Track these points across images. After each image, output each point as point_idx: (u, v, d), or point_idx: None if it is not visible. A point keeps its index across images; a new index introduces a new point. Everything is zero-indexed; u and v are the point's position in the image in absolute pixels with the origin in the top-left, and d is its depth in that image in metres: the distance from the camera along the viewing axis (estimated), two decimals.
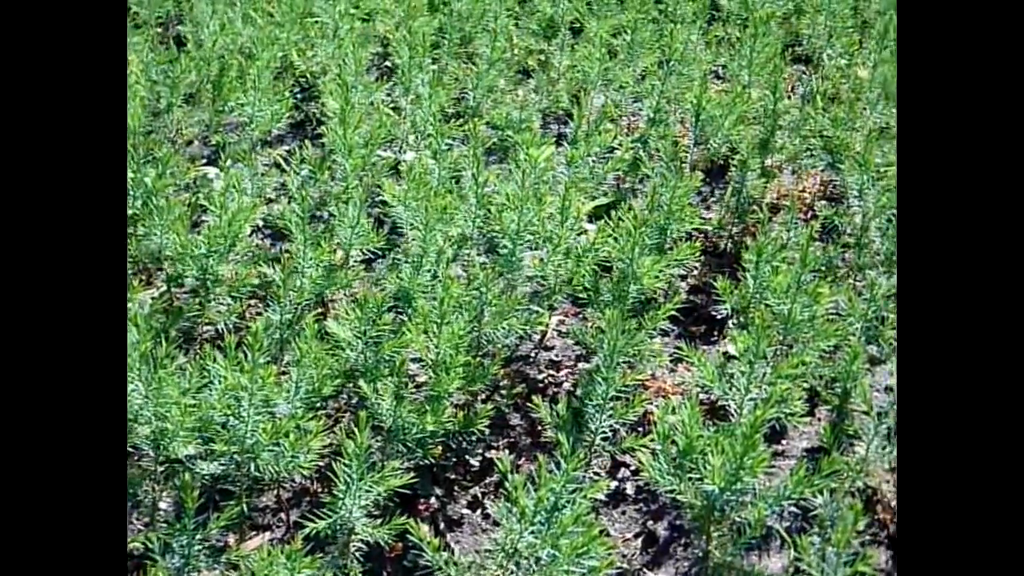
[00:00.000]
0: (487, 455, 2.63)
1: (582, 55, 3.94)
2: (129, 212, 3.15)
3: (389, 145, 3.48)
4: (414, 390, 2.42)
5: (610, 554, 2.04)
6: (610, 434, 2.50)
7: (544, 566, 1.97)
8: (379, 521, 2.20)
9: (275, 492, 2.52)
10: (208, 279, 2.80)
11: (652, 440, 2.26)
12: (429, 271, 2.66)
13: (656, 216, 2.88)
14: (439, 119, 3.32)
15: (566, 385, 2.86)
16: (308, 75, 4.10)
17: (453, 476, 2.58)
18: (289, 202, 3.24)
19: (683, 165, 3.25)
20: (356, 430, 2.07)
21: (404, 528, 2.16)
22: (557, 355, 2.95)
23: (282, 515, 2.50)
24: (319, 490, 2.54)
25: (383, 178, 3.14)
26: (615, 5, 4.34)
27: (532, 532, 1.98)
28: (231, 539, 2.44)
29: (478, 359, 2.58)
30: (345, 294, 2.90)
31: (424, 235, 2.66)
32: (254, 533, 2.47)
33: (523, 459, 2.66)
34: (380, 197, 3.04)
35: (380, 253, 3.01)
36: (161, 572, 2.01)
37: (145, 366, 2.19)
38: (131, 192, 3.14)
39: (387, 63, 4.28)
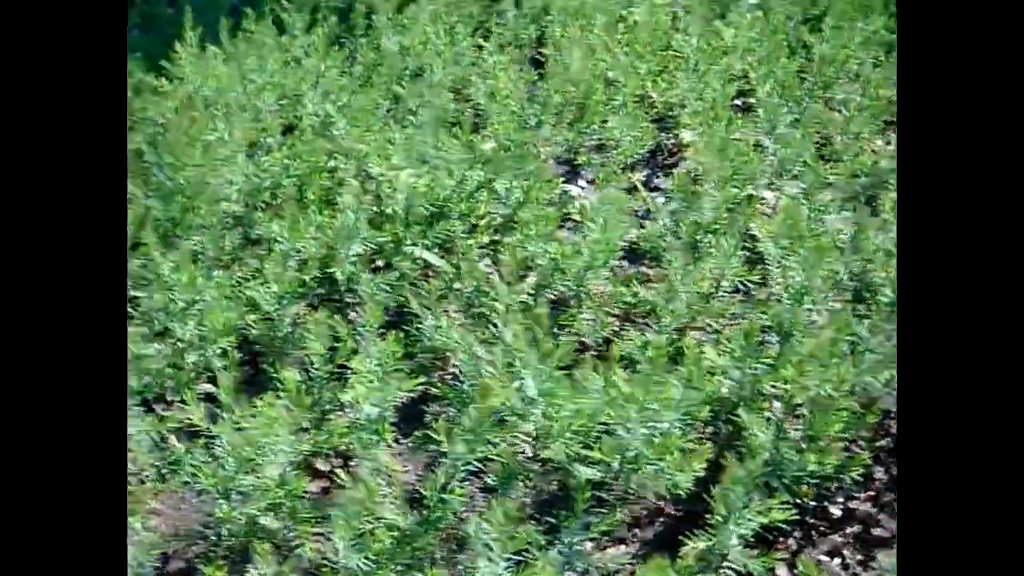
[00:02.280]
0: (849, 505, 2.57)
1: None
2: (500, 220, 3.30)
3: (751, 181, 3.47)
4: (795, 427, 2.39)
5: None
6: None
7: None
8: (755, 552, 2.19)
9: (632, 507, 2.55)
10: (581, 292, 2.88)
11: None
12: (806, 309, 2.64)
13: None
14: (812, 160, 3.29)
15: None
16: (663, 105, 4.15)
17: (813, 520, 2.53)
18: (653, 227, 3.29)
19: None
20: (743, 456, 2.07)
21: (772, 563, 2.14)
22: None
23: (637, 531, 2.53)
24: (673, 512, 2.55)
25: (751, 212, 3.13)
26: None
27: None
28: (588, 545, 2.49)
29: (857, 404, 2.52)
30: (716, 322, 2.91)
31: (805, 274, 2.64)
32: (609, 545, 2.50)
33: (883, 514, 2.57)
34: (748, 231, 3.04)
35: (748, 285, 3.01)
36: (548, 565, 2.06)
37: (543, 367, 2.28)
38: (504, 201, 3.29)
39: (745, 100, 4.28)
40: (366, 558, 2.06)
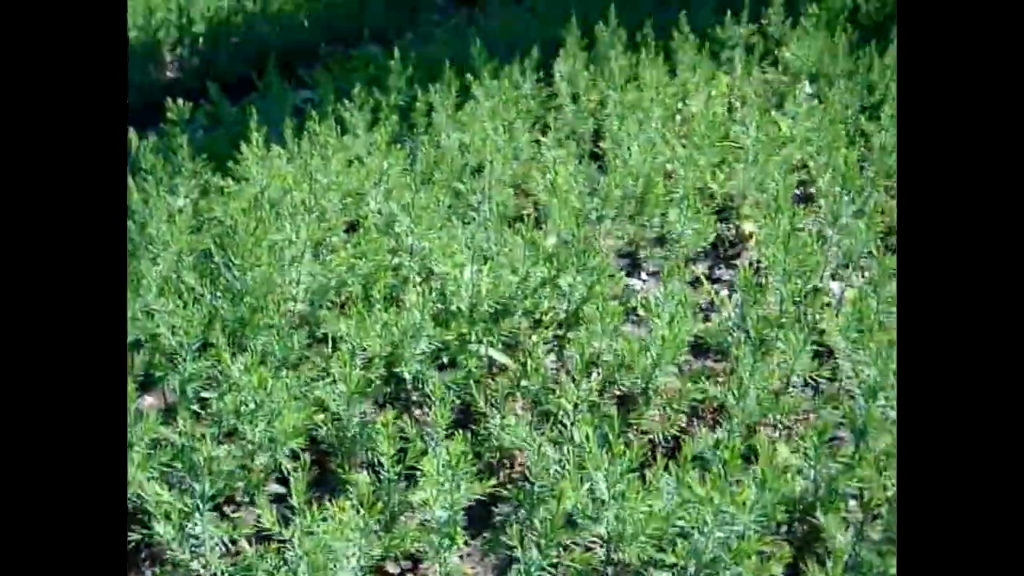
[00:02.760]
0: None
1: None
2: (563, 315, 3.30)
3: (815, 273, 3.44)
4: (875, 528, 2.34)
5: None
6: None
7: None
8: None
9: None
10: (649, 388, 2.86)
11: None
12: (880, 406, 2.59)
13: None
14: (876, 250, 3.26)
15: None
16: (723, 197, 4.16)
17: None
18: (720, 321, 3.27)
19: None
20: (821, 559, 2.02)
21: None
22: None
23: None
24: None
25: (818, 305, 3.11)
26: None
27: None
28: None
29: None
30: (788, 419, 2.87)
31: (880, 370, 2.60)
32: None
33: None
34: (817, 325, 3.01)
35: (818, 381, 2.97)
36: None
37: (614, 467, 2.25)
38: (567, 296, 3.30)
39: (805, 190, 4.28)
40: None
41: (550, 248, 3.40)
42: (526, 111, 4.78)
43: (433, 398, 2.58)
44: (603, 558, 2.38)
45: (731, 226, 4.08)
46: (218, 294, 3.22)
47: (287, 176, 4.01)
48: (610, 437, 2.24)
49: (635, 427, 2.88)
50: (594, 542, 2.47)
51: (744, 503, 2.27)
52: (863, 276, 3.54)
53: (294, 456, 2.68)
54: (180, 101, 4.18)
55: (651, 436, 2.87)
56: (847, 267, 3.55)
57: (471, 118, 4.54)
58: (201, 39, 6.75)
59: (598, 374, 3.07)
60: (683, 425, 2.99)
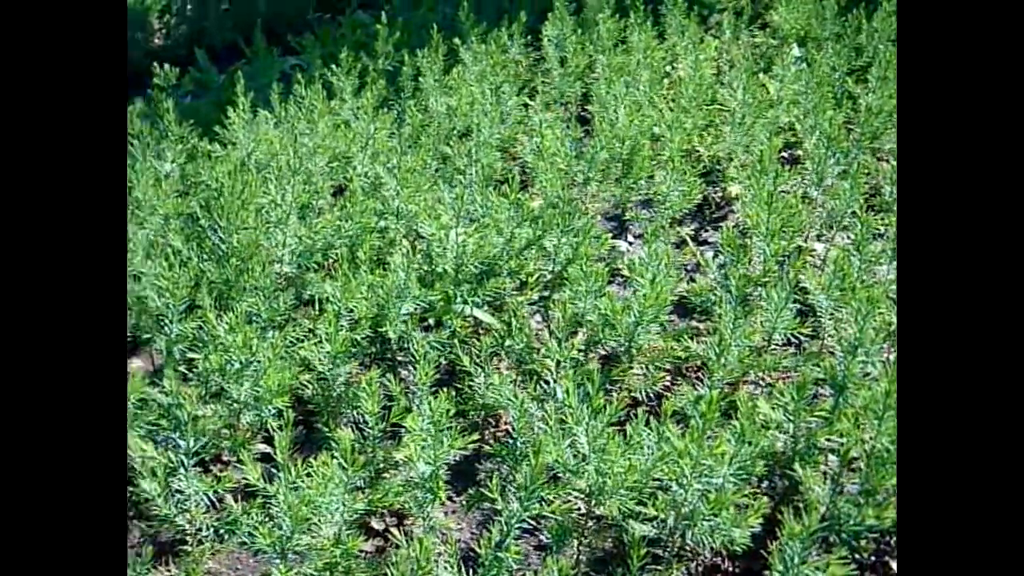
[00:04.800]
0: None
1: None
2: (549, 276, 3.32)
3: (800, 233, 3.46)
4: (852, 481, 2.37)
5: None
6: None
7: None
8: None
9: (688, 564, 2.53)
10: (632, 347, 2.88)
11: None
12: (860, 361, 2.61)
13: None
14: (859, 211, 3.28)
15: None
16: (710, 159, 4.17)
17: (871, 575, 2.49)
18: (703, 280, 3.29)
19: None
20: (799, 512, 2.05)
21: None
22: None
23: None
24: (730, 568, 2.53)
25: (800, 264, 3.12)
26: None
27: None
28: None
29: None
30: (769, 375, 2.89)
31: (860, 327, 2.62)
32: None
33: None
34: (799, 283, 3.02)
35: (800, 338, 3.00)
36: None
37: (596, 423, 2.27)
38: (552, 258, 3.32)
39: (792, 152, 4.28)
40: None
41: (536, 210, 3.41)
42: (514, 75, 4.78)
43: (418, 357, 2.61)
44: (584, 511, 2.40)
45: (718, 188, 4.09)
46: (204, 257, 3.24)
47: (274, 140, 4.01)
48: (591, 393, 2.26)
49: (618, 385, 2.90)
50: (576, 496, 2.50)
51: (723, 456, 2.30)
52: (847, 236, 3.55)
53: (279, 415, 2.71)
54: (167, 67, 4.17)
55: (634, 393, 2.90)
56: (831, 228, 3.57)
57: (459, 82, 4.54)
58: (189, 6, 6.72)
59: (583, 334, 3.09)
60: (667, 383, 3.02)
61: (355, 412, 2.81)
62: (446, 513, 2.73)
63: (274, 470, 2.39)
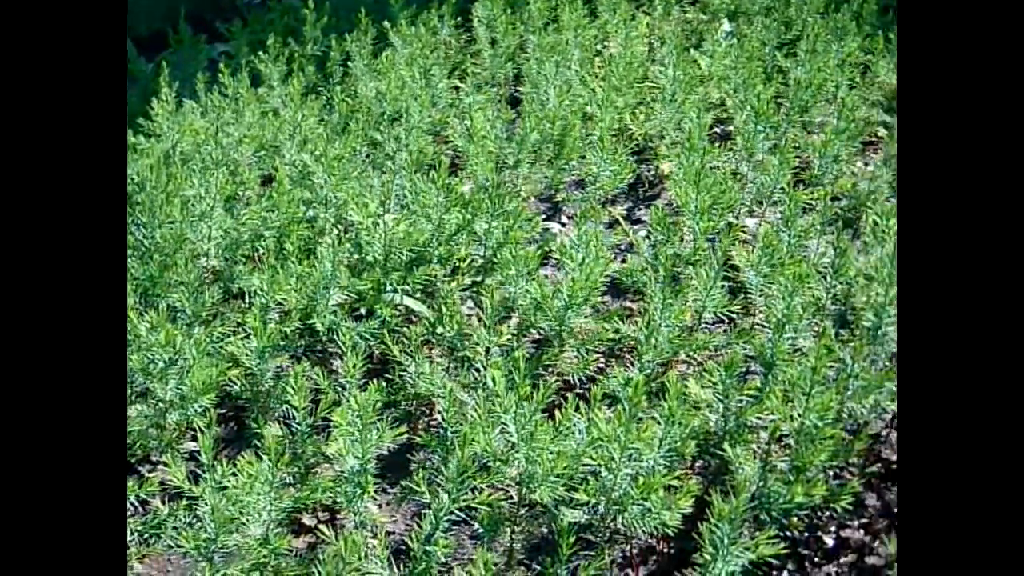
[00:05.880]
0: (842, 533, 2.53)
1: None
2: (480, 261, 3.29)
3: (730, 209, 3.46)
4: (781, 458, 2.37)
5: None
6: None
7: None
8: None
9: (623, 547, 2.52)
10: (563, 331, 2.86)
11: None
12: (789, 338, 2.61)
13: None
14: (787, 186, 3.28)
15: None
16: (643, 137, 4.15)
17: (806, 551, 2.50)
18: (635, 261, 3.28)
19: None
20: (729, 492, 2.05)
21: None
22: None
23: (629, 571, 2.49)
24: (665, 549, 2.52)
25: (729, 241, 3.12)
26: None
27: None
28: None
29: (842, 433, 2.49)
30: (700, 355, 2.89)
31: (786, 302, 2.62)
32: None
33: (877, 542, 2.54)
34: (729, 261, 3.02)
35: (730, 316, 2.99)
36: None
37: (519, 410, 2.25)
38: (482, 242, 3.28)
39: (724, 128, 4.28)
40: None
41: (466, 194, 3.37)
42: (444, 57, 4.73)
43: (346, 348, 2.57)
44: (516, 500, 2.39)
45: (650, 166, 4.08)
46: (127, 253, 3.17)
47: (199, 130, 3.93)
48: (517, 380, 2.24)
49: (550, 369, 2.89)
50: (508, 484, 2.48)
51: (651, 439, 2.29)
52: (778, 211, 3.55)
53: (205, 413, 2.66)
54: None
55: (567, 377, 2.88)
56: (762, 203, 3.57)
57: (388, 66, 4.48)
58: None
59: (515, 319, 3.07)
60: (600, 366, 3.01)
61: (285, 407, 2.77)
62: (380, 506, 2.70)
63: (201, 471, 2.34)
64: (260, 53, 4.61)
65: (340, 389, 2.60)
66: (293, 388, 2.45)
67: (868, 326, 2.64)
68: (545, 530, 2.52)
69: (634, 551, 2.51)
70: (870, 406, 2.52)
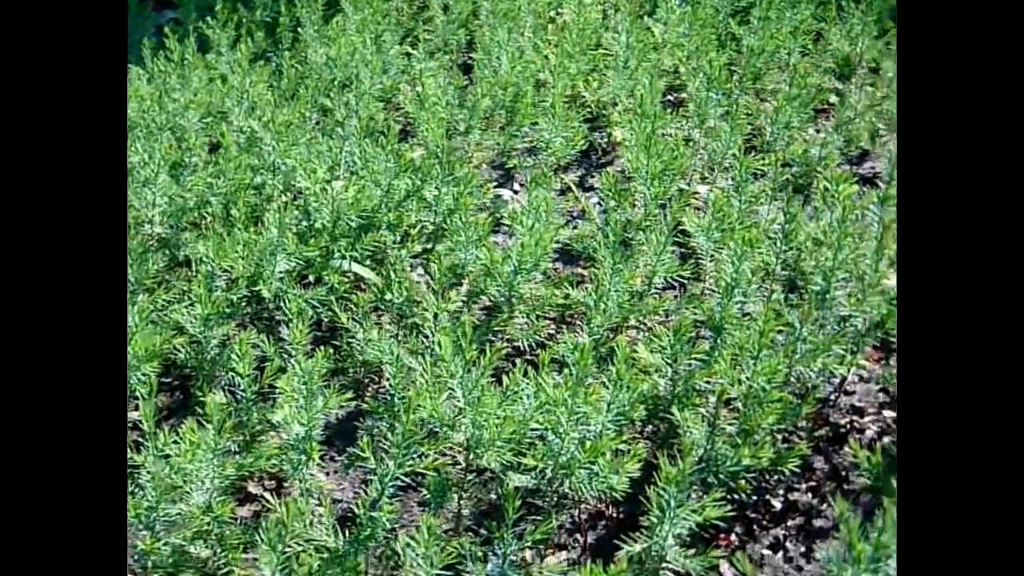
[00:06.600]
0: (790, 497, 2.54)
1: (881, 95, 3.82)
2: (431, 227, 3.26)
3: (681, 175, 3.44)
4: (729, 422, 2.37)
5: None
6: None
7: None
8: (691, 551, 2.15)
9: (571, 512, 2.51)
10: (513, 297, 2.84)
11: None
12: (737, 303, 2.61)
13: None
14: (739, 152, 3.27)
15: (870, 432, 2.73)
16: (596, 104, 4.13)
17: (754, 515, 2.51)
18: (586, 227, 3.26)
19: None
20: (676, 455, 2.04)
21: (712, 561, 2.12)
22: (859, 400, 2.83)
23: (578, 536, 2.49)
24: (614, 514, 2.52)
25: (682, 208, 3.11)
26: None
27: None
28: (527, 554, 2.44)
29: (790, 397, 2.50)
30: (648, 319, 2.88)
31: (735, 267, 2.61)
32: (550, 551, 2.46)
33: (825, 505, 2.55)
34: (680, 226, 3.01)
35: (680, 282, 2.98)
36: None
37: (466, 375, 2.23)
38: (434, 208, 3.25)
39: (677, 95, 4.26)
40: None
41: (416, 160, 3.33)
42: (396, 23, 4.66)
43: (292, 315, 2.53)
44: (464, 465, 2.37)
45: (603, 134, 4.05)
46: None
47: (145, 97, 3.86)
48: (464, 345, 2.22)
49: (501, 335, 2.87)
50: (455, 450, 2.46)
51: (599, 403, 2.28)
52: (729, 178, 3.54)
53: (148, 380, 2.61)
54: None
55: (517, 343, 2.86)
56: (713, 170, 3.56)
57: (339, 32, 4.41)
58: None
59: (465, 286, 3.04)
60: (551, 332, 2.99)
61: (231, 375, 2.72)
62: (328, 474, 2.67)
63: (143, 438, 2.31)
64: (208, 19, 4.52)
65: (286, 356, 2.57)
66: (238, 355, 2.42)
67: (816, 290, 2.63)
68: (494, 496, 2.50)
69: (583, 516, 2.51)
70: (818, 370, 2.53)
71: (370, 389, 2.87)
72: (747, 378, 2.38)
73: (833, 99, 4.13)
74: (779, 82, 4.15)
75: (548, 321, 3.00)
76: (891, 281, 2.80)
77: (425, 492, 2.36)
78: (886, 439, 2.66)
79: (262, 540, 2.01)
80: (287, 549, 2.04)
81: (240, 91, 3.83)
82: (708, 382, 2.47)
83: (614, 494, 2.25)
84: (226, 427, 2.19)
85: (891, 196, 2.96)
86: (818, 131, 3.94)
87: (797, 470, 2.50)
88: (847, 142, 3.79)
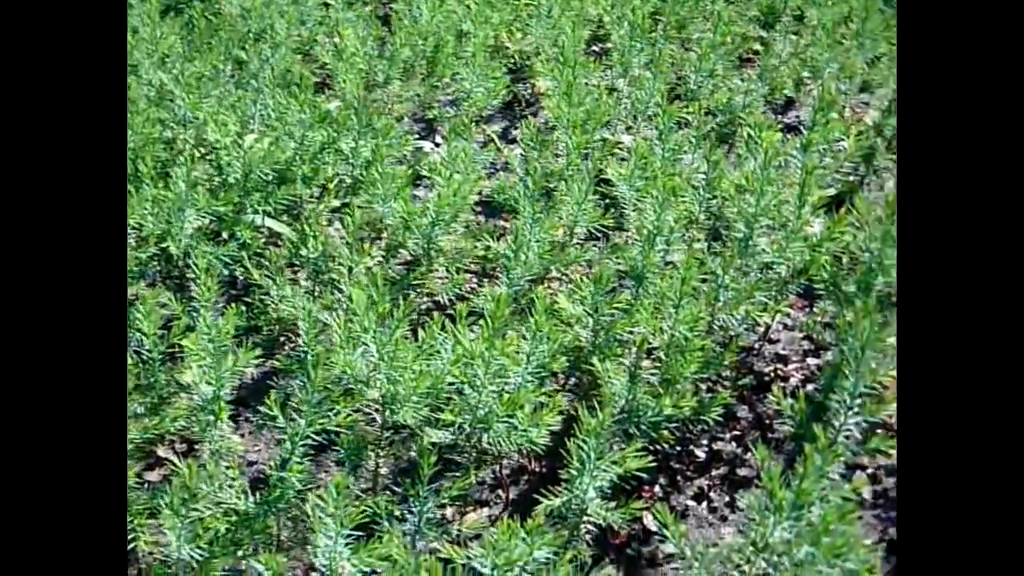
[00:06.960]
0: (714, 446, 2.51)
1: (806, 42, 3.79)
2: (350, 181, 3.16)
3: (606, 126, 3.38)
4: (650, 372, 2.32)
5: (868, 559, 1.89)
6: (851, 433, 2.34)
7: (798, 565, 1.84)
8: (613, 504, 2.10)
9: (493, 467, 2.46)
10: (431, 249, 2.76)
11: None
12: (660, 252, 2.56)
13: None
14: (663, 101, 3.21)
15: (794, 380, 2.71)
16: (519, 55, 4.04)
17: (677, 465, 2.47)
18: (507, 178, 3.19)
19: None
20: (596, 407, 1.99)
21: (634, 513, 2.08)
22: (784, 348, 2.81)
23: (500, 491, 2.44)
24: (537, 468, 2.47)
25: (605, 157, 3.05)
26: None
27: (785, 528, 1.85)
28: (448, 511, 2.39)
29: (713, 345, 2.46)
30: (570, 270, 2.82)
31: (657, 215, 2.56)
32: (470, 508, 2.41)
33: (749, 454, 2.52)
34: (601, 176, 2.95)
35: (602, 232, 2.93)
36: (395, 538, 1.95)
37: (380, 329, 2.15)
38: (351, 161, 3.15)
39: (601, 45, 4.19)
40: (198, 547, 1.93)
41: (333, 111, 3.22)
42: None
43: (200, 272, 2.43)
44: (380, 422, 2.30)
45: (527, 84, 3.98)
46: None
47: None
48: (376, 298, 2.14)
49: (420, 289, 2.79)
50: (371, 407, 2.39)
51: (519, 355, 2.22)
52: (653, 127, 3.49)
53: None
54: None
55: (436, 297, 2.79)
56: (637, 119, 3.50)
57: None
58: None
59: (384, 240, 2.95)
60: (473, 285, 2.93)
61: (137, 335, 2.62)
62: (243, 436, 2.59)
63: None
64: None
65: (195, 314, 2.46)
66: (143, 314, 2.31)
67: (739, 237, 2.59)
68: (413, 453, 2.44)
69: (505, 471, 2.46)
70: (741, 317, 2.49)
71: (285, 347, 2.78)
72: (669, 327, 2.33)
73: (758, 47, 4.09)
74: (704, 31, 4.09)
75: (469, 275, 2.93)
76: (814, 228, 2.77)
77: (341, 451, 2.29)
78: (810, 387, 2.64)
79: (165, 505, 1.92)
80: (193, 513, 1.96)
81: (150, 43, 3.68)
82: (630, 332, 2.42)
83: (536, 448, 2.20)
84: (133, 390, 2.09)
85: (812, 142, 2.93)
86: (743, 80, 3.89)
87: (721, 419, 2.47)
88: (771, 90, 3.76)
